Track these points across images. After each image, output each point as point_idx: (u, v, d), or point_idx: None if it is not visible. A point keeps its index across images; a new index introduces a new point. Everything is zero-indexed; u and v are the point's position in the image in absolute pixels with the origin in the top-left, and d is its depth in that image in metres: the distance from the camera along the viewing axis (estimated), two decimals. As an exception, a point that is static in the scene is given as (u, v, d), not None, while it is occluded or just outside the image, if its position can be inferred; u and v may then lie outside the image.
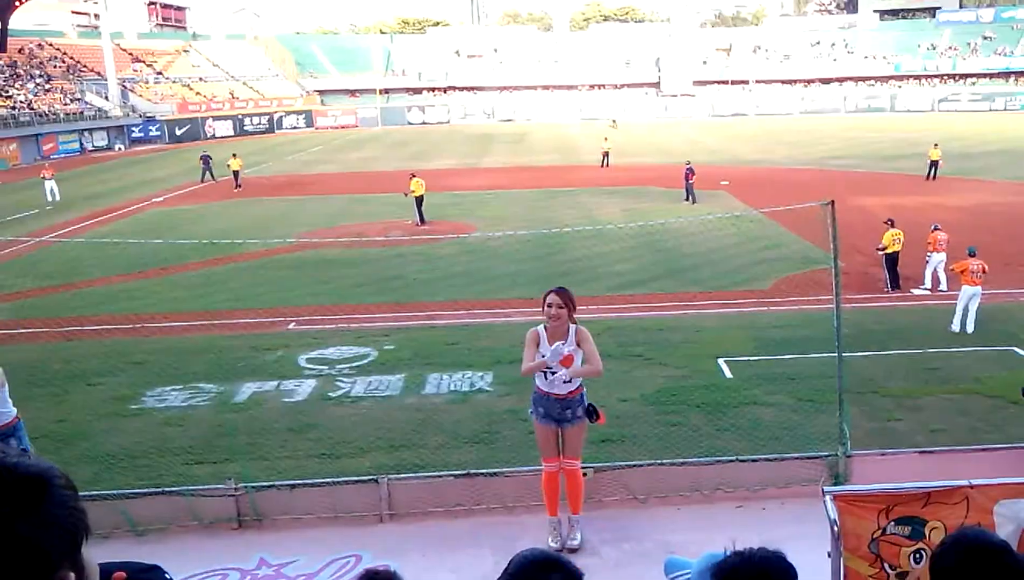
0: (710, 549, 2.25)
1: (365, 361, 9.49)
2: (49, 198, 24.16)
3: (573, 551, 4.83)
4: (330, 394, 8.43)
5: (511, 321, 10.33)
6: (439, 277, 13.91)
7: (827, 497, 3.49)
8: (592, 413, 4.95)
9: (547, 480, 5.03)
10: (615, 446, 6.44)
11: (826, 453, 5.58)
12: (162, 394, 8.50)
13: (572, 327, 4.85)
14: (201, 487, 5.57)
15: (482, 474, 5.60)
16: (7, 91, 42.68)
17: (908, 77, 60.71)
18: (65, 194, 24.77)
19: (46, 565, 0.84)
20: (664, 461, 5.83)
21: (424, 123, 57.56)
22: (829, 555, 3.31)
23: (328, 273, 14.34)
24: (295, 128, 54.64)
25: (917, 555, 3.55)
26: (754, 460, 5.69)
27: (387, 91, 60.97)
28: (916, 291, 12.63)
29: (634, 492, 5.50)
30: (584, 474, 5.24)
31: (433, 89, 62.52)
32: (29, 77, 45.56)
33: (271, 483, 5.63)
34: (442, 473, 5.77)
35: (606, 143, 30.76)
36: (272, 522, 5.39)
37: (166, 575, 1.13)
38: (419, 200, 19.08)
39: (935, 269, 12.59)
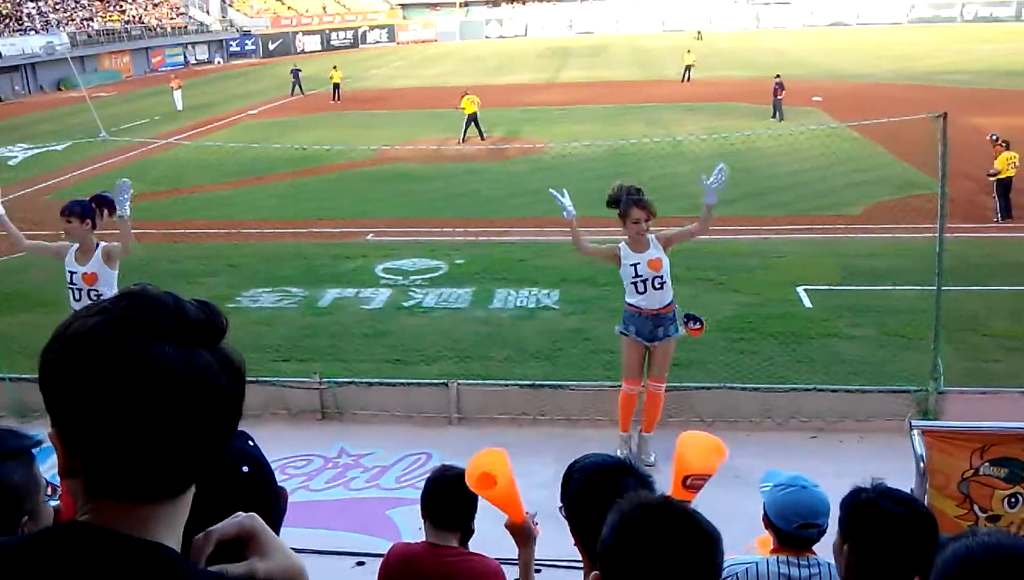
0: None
1: (437, 273, 9.68)
2: (179, 107, 25.89)
3: (650, 467, 4.87)
4: (404, 304, 8.72)
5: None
6: (510, 193, 13.74)
7: (915, 431, 3.29)
8: (695, 320, 4.92)
9: (624, 399, 5.06)
10: (682, 370, 6.28)
11: (915, 388, 5.25)
12: (255, 295, 9.10)
13: (650, 237, 4.84)
14: (290, 379, 5.96)
15: (547, 385, 5.69)
16: (121, 5, 44.45)
17: (1040, -19, 53.49)
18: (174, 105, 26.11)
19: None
20: (734, 385, 5.66)
21: (501, 36, 55.82)
22: (912, 492, 3.13)
23: (405, 186, 14.56)
24: (378, 42, 54.21)
25: (1012, 499, 3.32)
26: (833, 390, 5.44)
27: (467, 3, 59.08)
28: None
29: (700, 414, 5.40)
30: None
31: (512, 0, 60.11)
32: (140, -9, 46.86)
33: (351, 379, 5.99)
34: (508, 382, 5.88)
35: (689, 56, 28.95)
36: (352, 416, 5.76)
37: (250, 442, 1.13)
38: (471, 117, 18.69)
39: None
